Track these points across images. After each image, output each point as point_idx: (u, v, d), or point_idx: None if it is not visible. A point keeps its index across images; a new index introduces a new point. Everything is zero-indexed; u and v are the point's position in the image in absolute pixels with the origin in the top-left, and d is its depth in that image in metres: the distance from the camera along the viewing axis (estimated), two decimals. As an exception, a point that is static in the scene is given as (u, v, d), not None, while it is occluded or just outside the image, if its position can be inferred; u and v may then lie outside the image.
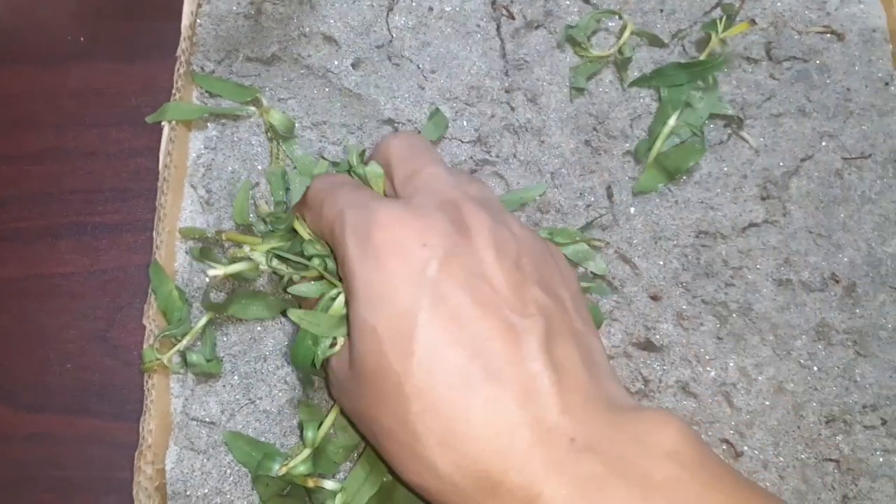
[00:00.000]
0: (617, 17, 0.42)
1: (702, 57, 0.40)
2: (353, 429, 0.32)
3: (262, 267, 0.33)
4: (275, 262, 0.33)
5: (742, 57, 0.42)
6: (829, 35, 0.43)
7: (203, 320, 0.35)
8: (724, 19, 0.40)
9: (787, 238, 0.40)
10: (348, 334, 0.29)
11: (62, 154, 0.43)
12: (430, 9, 0.42)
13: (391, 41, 0.41)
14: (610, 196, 0.40)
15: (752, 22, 0.39)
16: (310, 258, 0.32)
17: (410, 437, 0.26)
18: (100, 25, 0.46)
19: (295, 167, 0.38)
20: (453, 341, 0.26)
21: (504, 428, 0.25)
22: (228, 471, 0.34)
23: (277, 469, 0.31)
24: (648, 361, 0.37)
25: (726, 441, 0.36)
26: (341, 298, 0.31)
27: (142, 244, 0.41)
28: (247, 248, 0.33)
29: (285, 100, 0.40)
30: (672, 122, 0.39)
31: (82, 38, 0.46)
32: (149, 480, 0.33)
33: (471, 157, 0.39)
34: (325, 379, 0.34)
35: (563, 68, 0.41)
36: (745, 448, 0.36)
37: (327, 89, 0.40)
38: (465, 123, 0.40)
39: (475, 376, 0.25)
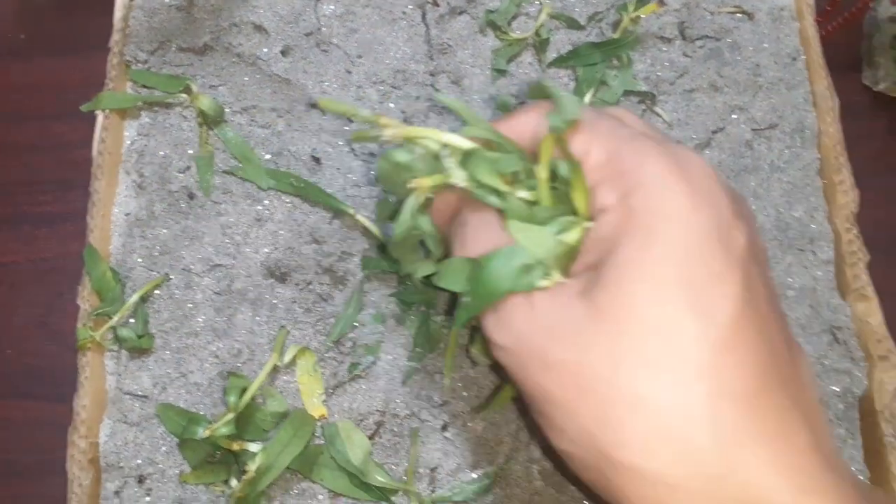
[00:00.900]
0: (536, 1, 0.44)
1: (615, 37, 0.42)
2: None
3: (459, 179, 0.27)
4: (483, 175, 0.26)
5: (657, 37, 0.44)
6: (739, 14, 0.45)
7: (135, 297, 0.36)
8: (636, 0, 0.42)
9: (700, 207, 0.42)
10: (607, 276, 0.24)
11: (3, 147, 0.44)
12: (357, -2, 0.44)
13: (319, 28, 0.43)
14: (531, 172, 0.41)
15: (661, 2, 0.41)
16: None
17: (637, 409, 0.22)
18: (40, 23, 0.47)
19: (225, 150, 0.40)
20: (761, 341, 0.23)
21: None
22: (161, 442, 0.35)
23: (202, 432, 0.32)
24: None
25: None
26: (578, 231, 0.26)
27: (81, 233, 0.41)
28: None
29: (216, 87, 0.41)
30: (587, 99, 0.41)
31: (23, 36, 0.47)
32: (82, 454, 0.35)
33: (396, 138, 0.41)
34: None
35: (484, 51, 0.43)
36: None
37: (257, 76, 0.41)
38: (391, 105, 0.42)
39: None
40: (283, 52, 0.42)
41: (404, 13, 0.44)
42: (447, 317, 0.37)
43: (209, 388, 0.36)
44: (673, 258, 0.23)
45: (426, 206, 0.29)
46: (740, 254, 0.24)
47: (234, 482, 0.33)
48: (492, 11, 0.43)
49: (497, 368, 0.37)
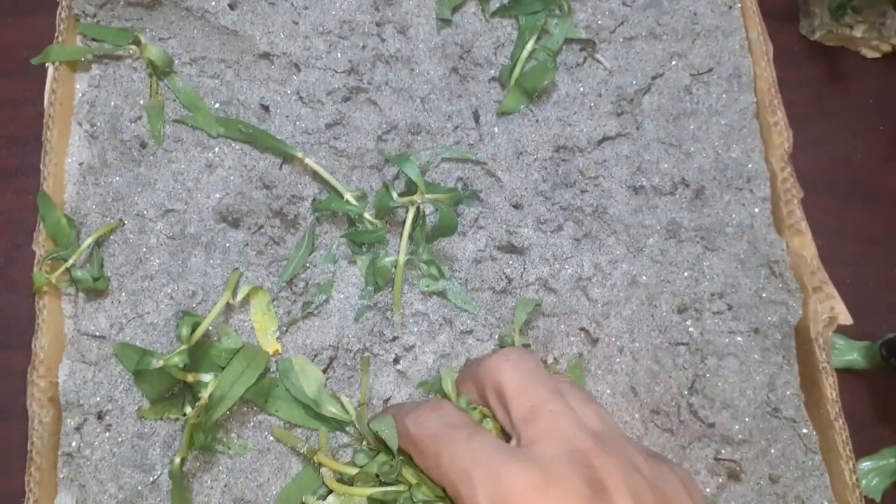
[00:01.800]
0: (480, -47, 0.45)
1: (555, -14, 0.43)
2: None
3: None
4: None
5: (597, -13, 0.46)
6: (677, -35, 0.47)
7: (89, 240, 0.37)
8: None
9: (639, 149, 0.43)
10: None
11: (-45, 106, 0.44)
12: (304, -48, 0.45)
13: (267, -17, 0.44)
14: (476, 118, 0.43)
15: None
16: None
17: None
18: (-11, -17, 0.48)
19: (175, 100, 0.40)
20: None
21: None
22: (119, 380, 0.36)
23: (156, 363, 0.33)
24: (511, 262, 0.40)
25: (583, 329, 0.40)
26: None
27: (36, 187, 0.42)
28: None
29: (166, 39, 0.42)
30: (530, 47, 0.43)
31: (-29, -3, 0.47)
32: (42, 392, 0.36)
33: (345, 86, 0.42)
34: None
35: (429, 1, 0.44)
36: (602, 335, 0.40)
37: (206, 29, 0.42)
38: (339, 55, 0.43)
39: None
40: (231, 6, 0.43)
41: (351, -34, 0.45)
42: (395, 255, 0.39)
43: (165, 328, 0.37)
44: None
45: None
46: None
47: (188, 410, 0.34)
48: (436, -38, 0.44)
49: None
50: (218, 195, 0.39)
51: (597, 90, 0.44)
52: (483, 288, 0.40)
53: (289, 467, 0.36)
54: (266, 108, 0.41)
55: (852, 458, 0.39)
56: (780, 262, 0.42)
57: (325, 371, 0.37)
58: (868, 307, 0.45)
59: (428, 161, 0.41)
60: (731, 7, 0.47)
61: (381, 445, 0.33)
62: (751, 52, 0.46)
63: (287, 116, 0.41)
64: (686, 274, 0.42)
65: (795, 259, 0.43)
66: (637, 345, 0.40)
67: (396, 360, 0.38)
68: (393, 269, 0.38)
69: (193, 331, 0.34)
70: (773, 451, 0.39)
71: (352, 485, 0.33)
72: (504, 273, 0.40)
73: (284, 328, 0.38)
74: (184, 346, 0.33)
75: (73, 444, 0.35)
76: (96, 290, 0.37)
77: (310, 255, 0.39)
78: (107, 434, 0.36)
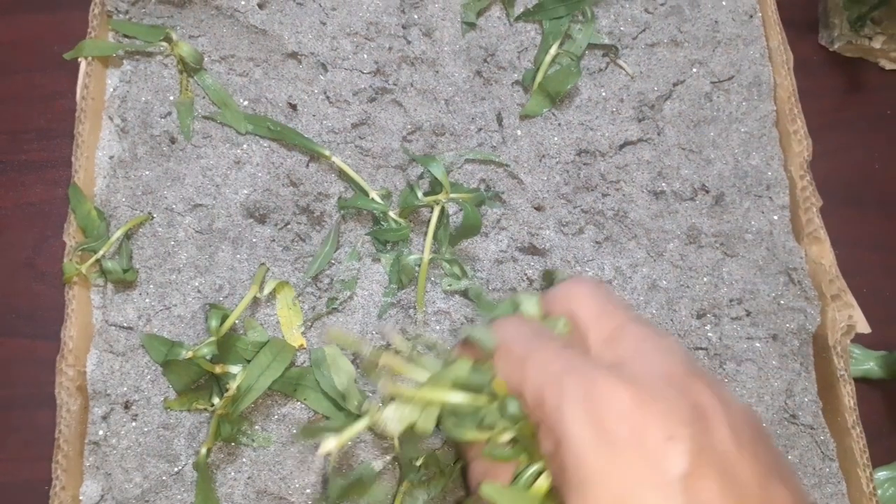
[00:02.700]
0: (506, -41, 0.46)
1: (580, -9, 0.44)
2: None
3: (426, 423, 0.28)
4: (450, 422, 0.28)
5: (620, -6, 0.46)
6: (699, -26, 0.47)
7: (119, 232, 0.37)
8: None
9: (660, 154, 0.44)
10: None
11: (-13, 99, 0.45)
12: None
13: (296, -16, 0.44)
14: (500, 121, 0.43)
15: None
16: (506, 417, 0.28)
17: None
18: (23, -20, 0.48)
19: (205, 96, 0.41)
20: None
21: None
22: (146, 370, 0.37)
23: (185, 353, 0.34)
24: (532, 263, 0.41)
25: (604, 332, 0.40)
26: (545, 477, 0.27)
27: (66, 179, 0.42)
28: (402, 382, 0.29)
29: (196, 37, 0.42)
30: (553, 51, 0.43)
31: (5, -7, 0.48)
32: (70, 381, 0.36)
33: (370, 87, 0.43)
34: None
35: (454, 5, 0.45)
36: (622, 338, 0.40)
37: (235, 27, 0.43)
38: (365, 56, 0.43)
39: None
40: (260, 5, 0.43)
41: (378, -31, 0.45)
42: (419, 255, 0.39)
43: (192, 321, 0.37)
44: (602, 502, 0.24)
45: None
46: (678, 474, 0.24)
47: (216, 401, 0.35)
48: (462, -33, 0.45)
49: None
50: (245, 191, 0.40)
51: (619, 95, 0.44)
52: (504, 288, 0.40)
53: (311, 461, 0.36)
54: (294, 107, 0.42)
55: (869, 467, 0.39)
56: (799, 270, 0.43)
57: (348, 366, 0.38)
58: (886, 316, 0.46)
59: (451, 162, 0.42)
60: (751, 16, 0.47)
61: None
62: (771, 61, 0.47)
63: (314, 115, 0.42)
64: (705, 279, 0.42)
65: (814, 267, 0.43)
66: (656, 348, 0.40)
67: (418, 358, 0.39)
68: (417, 268, 0.39)
69: (222, 323, 0.35)
70: (790, 457, 0.40)
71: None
72: (525, 274, 0.40)
73: (309, 323, 0.38)
74: (212, 338, 0.34)
75: (100, 432, 0.36)
76: (125, 282, 0.37)
77: (335, 252, 0.39)
78: (133, 424, 0.36)
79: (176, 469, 0.36)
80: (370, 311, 0.39)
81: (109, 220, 0.39)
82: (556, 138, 0.43)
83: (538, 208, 0.42)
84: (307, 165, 0.41)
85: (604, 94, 0.44)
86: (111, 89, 0.41)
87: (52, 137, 0.44)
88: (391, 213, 0.40)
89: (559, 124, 0.43)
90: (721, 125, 0.45)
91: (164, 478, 0.36)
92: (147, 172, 0.40)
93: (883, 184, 0.51)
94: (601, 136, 0.43)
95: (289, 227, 0.40)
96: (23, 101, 0.45)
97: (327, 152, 0.40)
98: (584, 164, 0.43)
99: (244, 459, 0.36)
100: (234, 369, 0.35)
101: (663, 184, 0.43)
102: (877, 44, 0.52)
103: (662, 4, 0.46)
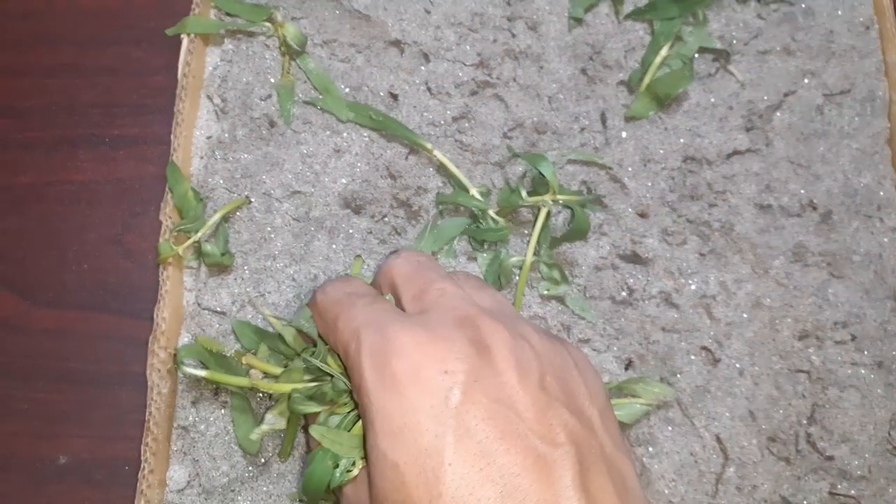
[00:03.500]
0: (616, -46, 0.44)
1: (694, -8, 0.42)
2: None
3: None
4: (298, 405, 0.31)
5: (732, -3, 0.45)
6: (815, -20, 0.45)
7: (217, 216, 0.37)
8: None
9: (769, 166, 0.42)
10: (367, 464, 0.28)
11: (81, 70, 0.45)
12: (438, -59, 0.44)
13: (400, -30, 0.43)
14: (604, 121, 0.42)
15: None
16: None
17: None
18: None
19: (306, 81, 0.40)
20: (483, 479, 0.25)
21: None
22: (237, 357, 0.36)
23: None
24: (633, 272, 0.39)
25: (705, 349, 0.39)
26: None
27: (158, 157, 0.42)
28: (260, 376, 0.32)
29: (298, 19, 0.42)
30: (664, 52, 0.42)
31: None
32: (162, 363, 0.36)
33: (473, 79, 0.41)
34: None
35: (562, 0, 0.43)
36: (723, 356, 0.39)
37: (338, 11, 0.42)
38: (468, 48, 0.42)
39: None
40: (364, -10, 0.42)
41: (483, -41, 0.44)
42: (519, 256, 0.38)
43: (286, 309, 0.37)
44: (387, 436, 0.26)
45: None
46: (453, 405, 0.26)
47: None
48: (572, -39, 0.44)
49: None
50: (344, 181, 0.39)
51: (728, 102, 0.43)
52: (602, 297, 0.39)
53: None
54: (395, 97, 0.41)
55: (976, 507, 0.37)
56: (907, 295, 0.41)
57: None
58: None
59: (553, 162, 0.40)
60: (868, 28, 0.45)
61: None
62: (887, 76, 0.44)
63: (415, 107, 0.40)
64: (810, 300, 0.40)
65: (921, 293, 0.41)
66: (757, 368, 0.39)
67: (511, 362, 0.37)
68: (517, 270, 0.38)
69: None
70: (891, 490, 0.38)
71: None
72: (626, 283, 0.39)
73: (402, 320, 0.37)
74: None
75: (189, 418, 0.35)
76: (221, 266, 0.37)
77: (431, 248, 0.38)
78: (222, 411, 0.35)
79: (262, 460, 0.35)
80: (465, 312, 0.38)
81: (206, 202, 0.38)
82: (662, 143, 0.41)
83: (642, 215, 0.40)
84: (406, 158, 0.40)
85: (712, 100, 0.42)
86: (210, 68, 0.41)
87: (145, 113, 0.43)
88: (490, 212, 0.38)
89: (666, 128, 0.42)
90: (832, 140, 0.43)
91: (250, 468, 0.35)
92: (246, 155, 0.39)
93: None
94: (709, 143, 0.42)
95: (386, 219, 0.39)
96: (116, 74, 0.44)
97: (429, 145, 0.39)
98: (691, 172, 0.41)
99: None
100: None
101: (770, 198, 0.41)
102: None
103: (776, 11, 0.44)
